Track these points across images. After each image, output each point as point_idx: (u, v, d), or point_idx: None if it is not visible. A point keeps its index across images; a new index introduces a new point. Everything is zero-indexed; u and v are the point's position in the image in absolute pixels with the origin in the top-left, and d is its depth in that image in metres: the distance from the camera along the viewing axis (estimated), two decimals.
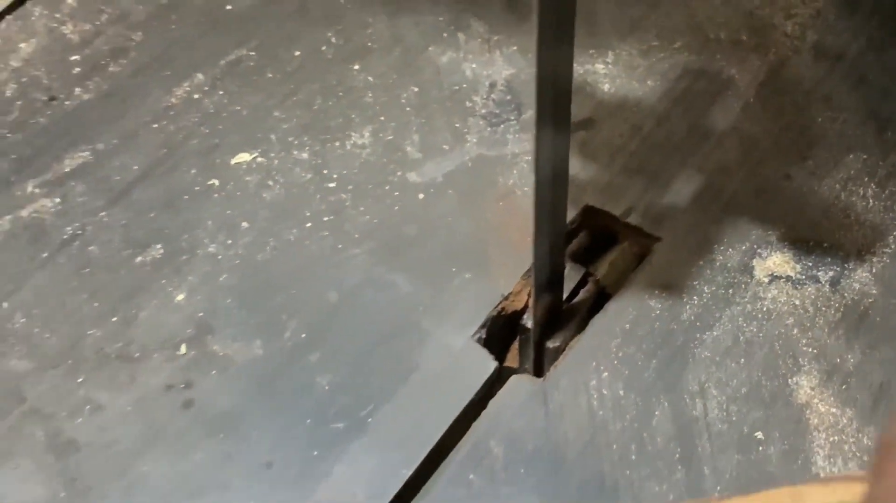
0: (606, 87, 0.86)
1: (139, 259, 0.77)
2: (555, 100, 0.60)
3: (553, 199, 0.66)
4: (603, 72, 0.87)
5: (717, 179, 0.80)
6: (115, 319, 0.74)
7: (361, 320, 0.74)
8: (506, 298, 0.75)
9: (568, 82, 0.60)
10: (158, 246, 0.77)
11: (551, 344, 0.74)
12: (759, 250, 0.75)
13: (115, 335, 0.73)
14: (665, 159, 0.82)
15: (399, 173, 0.81)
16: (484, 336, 0.74)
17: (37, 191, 0.80)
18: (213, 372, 0.71)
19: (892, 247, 0.76)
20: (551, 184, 0.65)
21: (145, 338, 0.73)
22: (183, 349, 0.72)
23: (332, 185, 0.81)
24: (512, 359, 0.77)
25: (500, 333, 0.75)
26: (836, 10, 0.89)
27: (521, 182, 0.81)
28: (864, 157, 0.80)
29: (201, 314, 0.74)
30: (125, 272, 0.76)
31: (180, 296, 0.75)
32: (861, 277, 0.74)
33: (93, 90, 0.86)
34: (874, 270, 0.74)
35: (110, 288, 0.76)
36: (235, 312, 0.74)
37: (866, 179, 0.78)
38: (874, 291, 0.73)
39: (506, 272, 0.76)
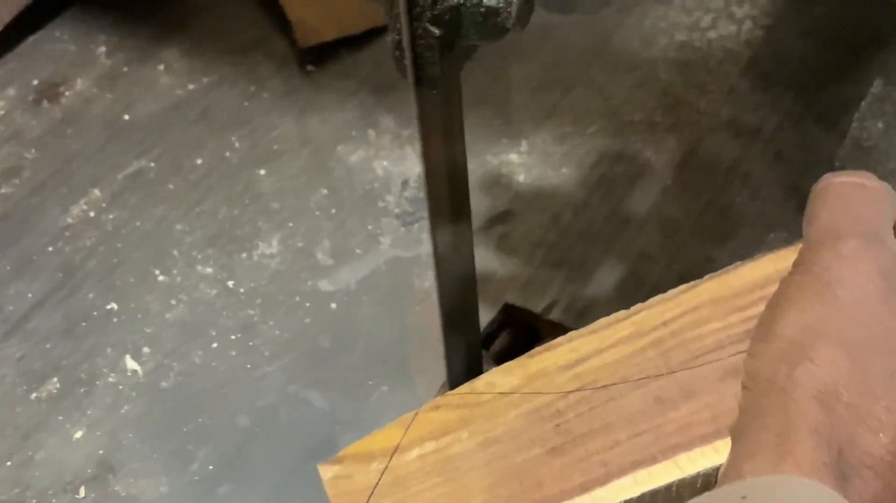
0: (522, 177, 0.84)
1: (35, 395, 0.72)
2: (450, 199, 0.57)
3: (463, 303, 0.63)
4: (518, 161, 0.84)
5: (639, 267, 0.78)
6: (9, 463, 0.69)
7: (275, 445, 0.69)
8: None
9: (463, 178, 0.57)
10: (55, 379, 0.73)
11: None
12: None
13: (11, 480, 0.68)
14: (586, 249, 0.79)
15: (310, 282, 0.78)
16: None
17: None
18: None
19: None
20: (458, 287, 0.62)
21: (43, 482, 0.68)
22: (82, 492, 0.68)
23: (239, 299, 0.77)
24: None
25: None
26: (750, 85, 0.88)
27: None
28: (786, 235, 0.78)
29: (102, 451, 0.69)
30: (21, 409, 0.72)
31: (79, 433, 0.70)
32: None
33: None
34: None
35: (5, 427, 0.71)
36: (138, 447, 0.69)
37: None
38: None
39: (426, 381, 0.72)
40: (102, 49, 0.93)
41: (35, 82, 0.91)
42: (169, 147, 0.86)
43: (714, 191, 0.82)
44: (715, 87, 0.89)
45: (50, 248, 0.80)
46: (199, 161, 0.85)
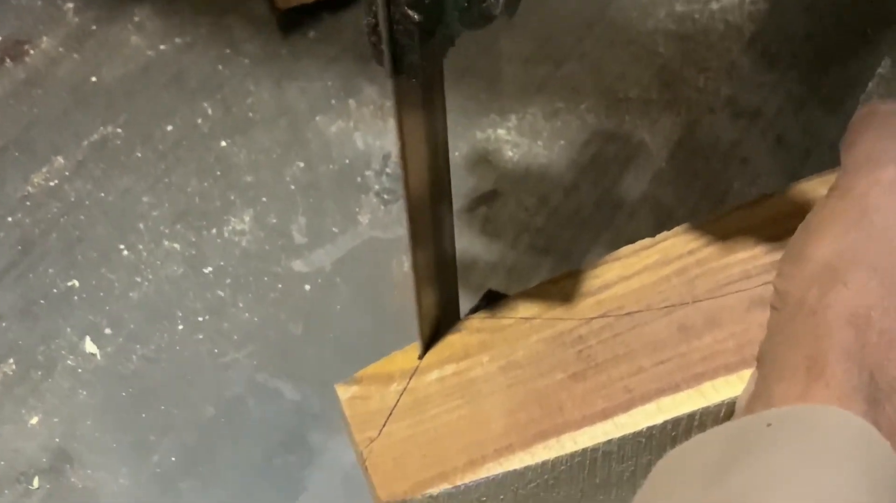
0: (510, 154, 0.79)
1: None
2: (430, 199, 0.52)
3: (442, 291, 0.59)
4: (506, 138, 0.80)
5: None
6: None
7: (242, 437, 0.66)
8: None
9: (445, 175, 0.53)
10: (11, 361, 0.69)
11: None
12: None
13: None
14: (575, 235, 0.75)
15: (283, 262, 0.74)
16: None
17: None
18: None
19: None
20: (436, 276, 0.58)
21: None
22: (36, 482, 0.64)
23: (208, 279, 0.73)
24: None
25: None
26: (752, 64, 0.84)
27: None
28: None
29: (58, 440, 0.66)
30: None
31: (35, 420, 0.67)
32: None
33: None
34: None
35: None
36: (97, 436, 0.66)
37: None
38: None
39: None
40: (70, 5, 0.88)
41: None
42: (137, 113, 0.81)
43: (710, 175, 0.78)
44: (715, 63, 0.84)
45: (9, 219, 0.76)
46: (168, 128, 0.80)
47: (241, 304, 0.72)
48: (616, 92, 0.82)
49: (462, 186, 0.77)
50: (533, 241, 0.75)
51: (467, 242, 0.74)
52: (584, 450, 0.52)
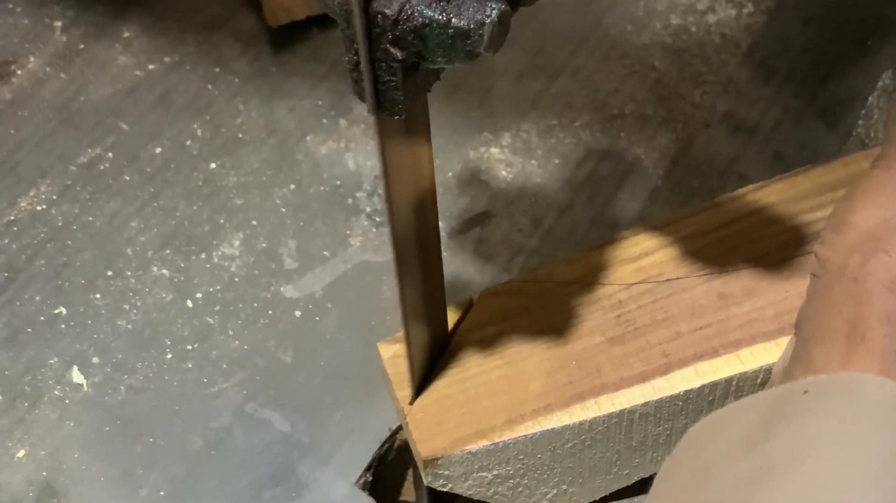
0: (503, 173, 0.78)
1: None
2: (418, 240, 0.51)
3: (430, 321, 0.58)
4: (499, 156, 0.79)
5: None
6: None
7: (229, 470, 0.65)
8: (395, 432, 0.67)
9: (433, 217, 0.52)
10: None
11: None
12: None
13: None
14: None
15: (273, 288, 0.73)
16: (370, 479, 0.65)
17: None
18: None
19: None
20: (425, 315, 0.57)
21: None
22: None
23: (196, 306, 0.72)
24: (408, 492, 0.69)
25: (389, 473, 0.67)
26: (749, 77, 0.82)
27: None
28: None
29: (45, 474, 0.65)
30: None
31: (21, 453, 0.65)
32: None
33: None
34: None
35: None
36: (84, 469, 0.65)
37: None
38: None
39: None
40: (58, 23, 0.86)
41: None
42: (125, 134, 0.80)
43: (708, 193, 0.77)
44: (711, 77, 0.83)
45: None
46: (157, 150, 0.79)
47: (230, 332, 0.70)
48: (611, 107, 0.81)
49: (454, 207, 0.76)
50: (527, 263, 0.74)
51: (460, 265, 0.73)
52: (622, 412, 0.53)
